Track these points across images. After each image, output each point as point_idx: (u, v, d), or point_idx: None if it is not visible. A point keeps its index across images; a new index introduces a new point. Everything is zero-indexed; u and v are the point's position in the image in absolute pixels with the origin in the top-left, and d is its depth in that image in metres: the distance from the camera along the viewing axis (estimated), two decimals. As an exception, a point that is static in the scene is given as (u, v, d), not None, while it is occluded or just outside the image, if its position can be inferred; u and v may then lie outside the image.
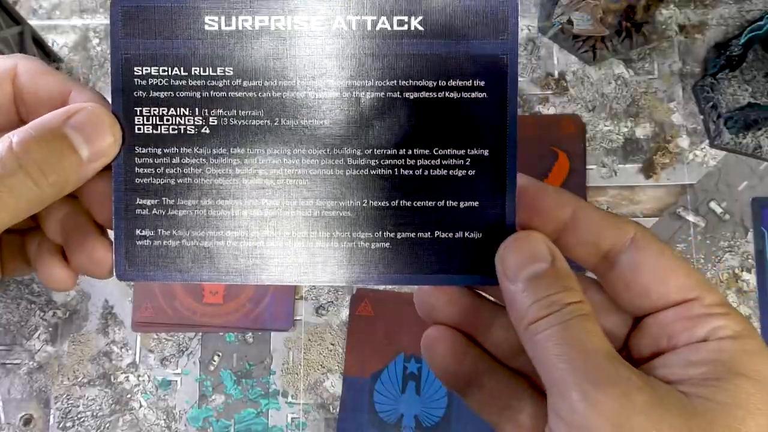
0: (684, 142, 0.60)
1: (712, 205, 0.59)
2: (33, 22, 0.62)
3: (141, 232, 0.23)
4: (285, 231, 0.23)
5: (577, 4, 0.58)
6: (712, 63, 0.60)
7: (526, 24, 0.63)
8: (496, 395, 0.23)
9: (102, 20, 0.65)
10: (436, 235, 0.23)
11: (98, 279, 0.24)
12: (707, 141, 0.60)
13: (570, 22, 0.59)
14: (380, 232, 0.23)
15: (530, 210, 0.22)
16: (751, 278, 0.57)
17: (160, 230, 0.23)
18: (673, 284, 0.21)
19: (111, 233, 0.24)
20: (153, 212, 0.23)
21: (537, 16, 0.63)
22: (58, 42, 0.64)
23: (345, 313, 0.58)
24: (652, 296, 0.21)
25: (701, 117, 0.61)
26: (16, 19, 0.55)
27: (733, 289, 0.57)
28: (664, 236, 0.59)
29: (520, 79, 0.62)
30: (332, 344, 0.57)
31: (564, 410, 0.18)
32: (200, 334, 0.58)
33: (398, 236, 0.23)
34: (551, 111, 0.61)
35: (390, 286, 0.57)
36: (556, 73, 0.62)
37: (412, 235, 0.23)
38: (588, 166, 0.60)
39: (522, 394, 0.23)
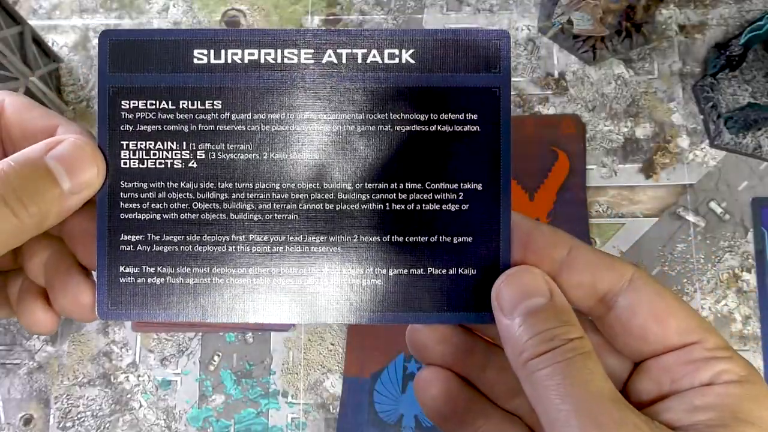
0: (684, 142, 0.60)
1: (712, 205, 0.59)
2: (33, 22, 0.62)
3: (125, 269, 0.22)
4: (273, 268, 0.22)
5: (577, 4, 0.58)
6: (712, 63, 0.60)
7: (526, 24, 0.63)
8: None
9: (102, 20, 0.65)
10: (429, 271, 0.22)
11: (82, 322, 0.23)
12: (707, 141, 0.60)
13: (570, 22, 0.59)
14: (372, 269, 0.22)
15: (525, 249, 0.22)
16: (751, 278, 0.57)
17: (144, 267, 0.22)
18: (674, 327, 0.20)
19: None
20: (137, 248, 0.22)
21: (537, 16, 0.63)
22: (58, 42, 0.64)
23: (345, 313, 0.57)
24: (652, 339, 0.20)
25: (701, 117, 0.61)
26: (16, 19, 0.55)
27: (733, 289, 0.57)
28: (664, 236, 0.59)
29: (520, 79, 0.62)
30: (332, 344, 0.57)
31: None
32: (200, 334, 0.58)
33: (390, 273, 0.22)
34: (551, 111, 0.61)
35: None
36: (556, 73, 0.62)
37: (405, 271, 0.22)
38: (588, 166, 0.60)
39: None
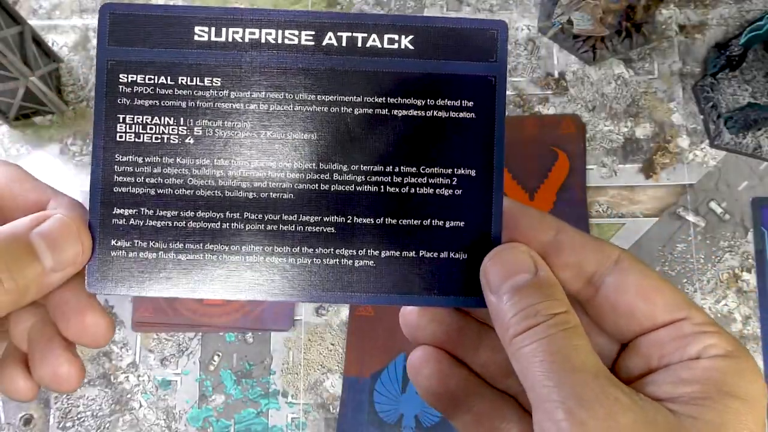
0: (684, 142, 0.60)
1: (712, 205, 0.59)
2: (33, 22, 0.62)
3: (116, 242, 0.22)
4: (267, 246, 0.22)
5: (577, 4, 0.58)
6: (712, 63, 0.60)
7: (526, 24, 0.63)
8: (483, 417, 0.23)
9: (102, 20, 0.65)
10: (421, 254, 0.22)
11: (62, 393, 0.22)
12: (707, 141, 0.60)
13: (570, 22, 0.59)
14: (364, 250, 0.22)
15: (512, 232, 0.22)
16: (751, 278, 0.57)
17: (136, 242, 0.22)
18: (661, 304, 0.20)
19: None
20: (130, 223, 0.22)
21: (537, 16, 0.63)
22: (58, 42, 0.64)
23: (345, 313, 0.58)
24: (639, 317, 0.20)
25: (701, 117, 0.61)
26: (16, 19, 0.55)
27: (733, 289, 0.57)
28: (664, 236, 0.59)
29: (520, 79, 0.62)
30: (332, 344, 0.57)
31: (549, 429, 0.18)
32: (200, 334, 0.58)
33: (383, 255, 0.22)
34: (551, 111, 0.61)
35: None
36: (556, 73, 0.62)
37: (397, 254, 0.22)
38: (588, 166, 0.60)
39: (509, 415, 0.23)
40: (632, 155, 0.60)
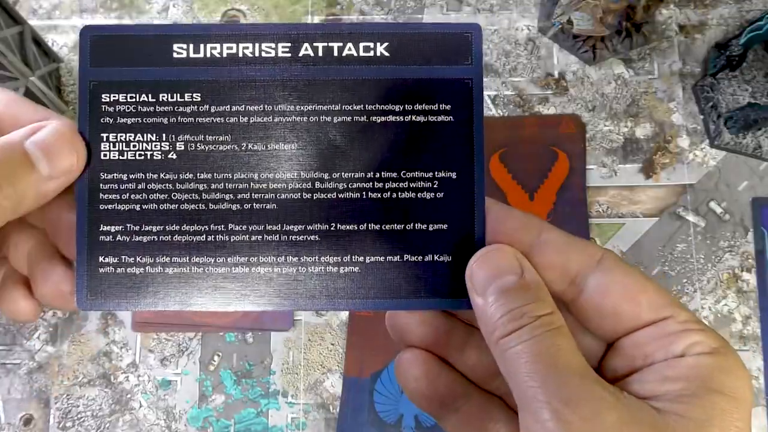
0: (684, 142, 0.60)
1: (712, 205, 0.59)
2: (33, 22, 0.62)
3: (104, 259, 0.22)
4: (252, 257, 0.22)
5: (577, 4, 0.58)
6: (712, 63, 0.60)
7: (526, 24, 0.63)
8: (471, 419, 0.23)
9: (102, 20, 0.65)
10: (405, 258, 0.22)
11: (63, 310, 0.23)
12: (707, 141, 0.60)
13: (570, 22, 0.59)
14: (349, 257, 0.22)
15: (496, 233, 0.22)
16: (751, 278, 0.57)
17: (123, 257, 0.22)
18: (645, 303, 0.20)
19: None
20: (117, 239, 0.22)
21: (537, 16, 0.63)
22: (58, 42, 0.64)
23: (345, 313, 0.58)
24: (624, 317, 0.20)
25: (701, 117, 0.61)
26: (16, 19, 0.55)
27: (733, 289, 0.57)
28: (664, 236, 0.59)
29: (520, 79, 0.62)
30: (332, 344, 0.57)
31: (535, 429, 0.18)
32: (200, 334, 0.58)
33: (367, 260, 0.22)
34: (551, 111, 0.61)
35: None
36: (556, 73, 0.62)
37: (382, 259, 0.22)
38: (588, 166, 0.60)
39: (497, 416, 0.23)
40: (632, 155, 0.60)
